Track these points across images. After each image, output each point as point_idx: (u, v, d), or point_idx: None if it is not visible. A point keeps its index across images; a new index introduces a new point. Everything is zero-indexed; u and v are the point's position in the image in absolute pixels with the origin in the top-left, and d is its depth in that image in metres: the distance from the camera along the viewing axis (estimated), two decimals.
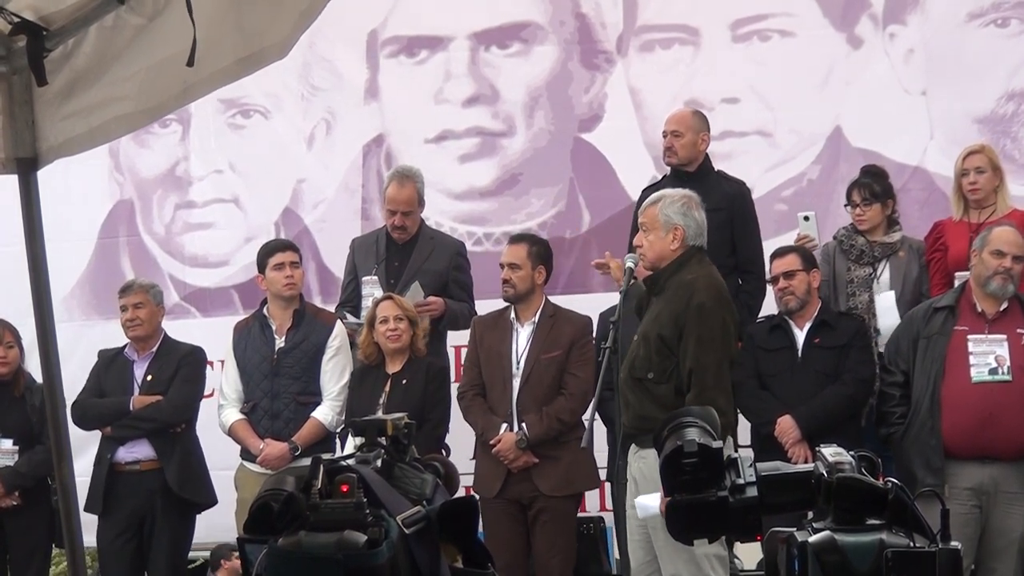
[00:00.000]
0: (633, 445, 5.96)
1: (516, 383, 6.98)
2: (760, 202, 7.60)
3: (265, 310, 7.44)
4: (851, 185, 7.25)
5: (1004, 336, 6.50)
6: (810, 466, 2.53)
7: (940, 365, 6.52)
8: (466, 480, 6.80)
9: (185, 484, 7.30)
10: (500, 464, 6.91)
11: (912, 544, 2.38)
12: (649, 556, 5.95)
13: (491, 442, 6.92)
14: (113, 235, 9.07)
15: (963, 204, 7.08)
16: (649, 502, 5.69)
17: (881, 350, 6.93)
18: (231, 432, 7.31)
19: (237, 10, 3.81)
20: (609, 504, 7.19)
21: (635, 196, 7.41)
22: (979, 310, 6.57)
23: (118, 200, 9.12)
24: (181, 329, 8.03)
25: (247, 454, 7.28)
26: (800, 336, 6.89)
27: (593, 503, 7.65)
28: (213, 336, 7.95)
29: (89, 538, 6.73)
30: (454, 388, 7.24)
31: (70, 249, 8.69)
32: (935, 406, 6.49)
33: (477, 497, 6.64)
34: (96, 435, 7.50)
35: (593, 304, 7.35)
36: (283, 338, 7.32)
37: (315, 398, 7.26)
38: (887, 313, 7.01)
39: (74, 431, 5.89)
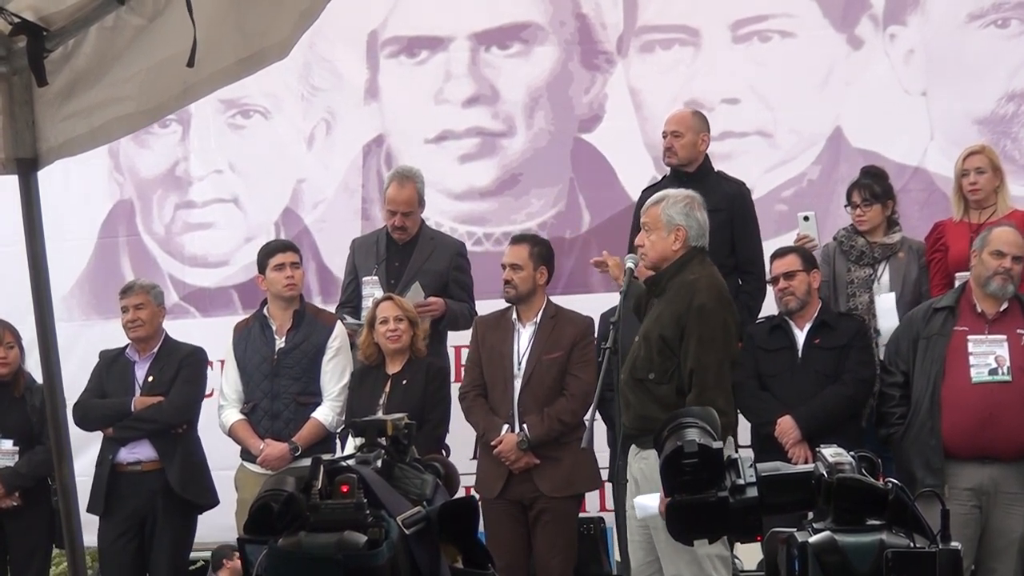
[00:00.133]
0: (633, 446, 5.96)
1: (517, 384, 6.98)
2: (760, 202, 7.60)
3: (265, 310, 7.44)
4: (851, 186, 7.25)
5: (1004, 336, 6.50)
6: (810, 466, 2.53)
7: (940, 365, 6.52)
8: (466, 480, 6.80)
9: (187, 485, 7.30)
10: (501, 465, 6.91)
11: (912, 544, 2.38)
12: (650, 556, 5.95)
13: (492, 443, 6.92)
14: (113, 235, 9.08)
15: (963, 205, 7.08)
16: (648, 502, 5.69)
17: (881, 351, 6.93)
18: (231, 432, 7.31)
19: (237, 10, 3.81)
20: (609, 504, 7.19)
21: (635, 196, 7.42)
22: (979, 310, 6.57)
23: (118, 200, 9.13)
24: (180, 329, 8.03)
25: (247, 454, 7.28)
26: (800, 336, 6.89)
27: (593, 503, 7.65)
28: (212, 336, 7.96)
29: (89, 538, 6.73)
30: (454, 388, 7.24)
31: (69, 249, 8.70)
32: (935, 406, 6.49)
33: (477, 497, 6.64)
34: (96, 435, 7.50)
35: (593, 304, 7.35)
36: (283, 338, 7.32)
37: (315, 398, 7.26)
38: (887, 315, 7.01)
39: (74, 431, 5.89)
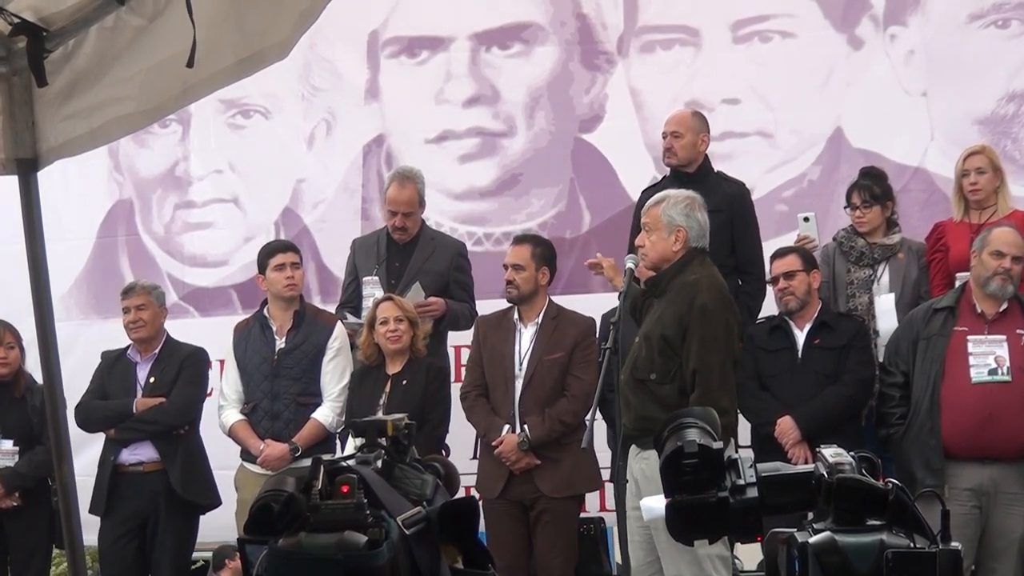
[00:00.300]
0: (634, 446, 5.96)
1: (519, 384, 6.98)
2: (760, 203, 7.60)
3: (265, 311, 7.43)
4: (850, 187, 7.25)
5: (1004, 337, 6.50)
6: (810, 467, 2.52)
7: (940, 366, 6.52)
8: (466, 480, 6.80)
9: (188, 486, 7.30)
10: (502, 465, 6.91)
11: (912, 545, 2.38)
12: (650, 557, 5.95)
13: (493, 443, 6.92)
14: (112, 234, 9.08)
15: (964, 205, 7.08)
16: (654, 504, 5.67)
17: (880, 352, 6.93)
18: (231, 433, 7.31)
19: (237, 10, 3.81)
20: (610, 505, 7.19)
21: (635, 197, 7.42)
22: (979, 311, 6.57)
23: (117, 200, 9.13)
24: (180, 329, 8.02)
25: (247, 455, 7.28)
26: (800, 337, 6.89)
27: (593, 503, 7.65)
28: (212, 336, 7.95)
29: (90, 538, 6.73)
30: (454, 388, 7.25)
31: (68, 248, 8.70)
32: (935, 407, 6.49)
33: (477, 497, 6.64)
34: (96, 435, 7.51)
35: (594, 305, 7.35)
36: (283, 339, 7.32)
37: (315, 399, 7.26)
38: (886, 315, 7.01)
39: (74, 431, 5.89)
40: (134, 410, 7.35)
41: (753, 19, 8.32)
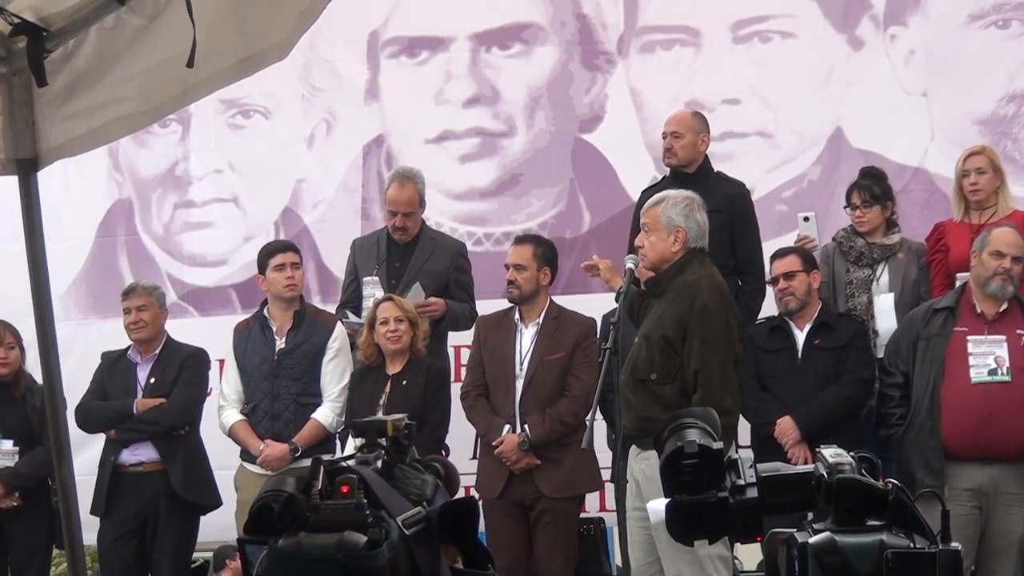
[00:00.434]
0: (634, 446, 5.95)
1: (519, 384, 6.98)
2: (760, 203, 7.60)
3: (265, 311, 7.43)
4: (850, 187, 7.25)
5: (1003, 337, 6.50)
6: (810, 467, 2.52)
7: (939, 366, 6.52)
8: (466, 480, 6.80)
9: (189, 486, 7.30)
10: (502, 465, 6.91)
11: (912, 545, 2.38)
12: (650, 557, 5.95)
13: (493, 443, 6.92)
14: (111, 234, 9.07)
15: (964, 205, 7.08)
16: (661, 507, 5.67)
17: (880, 352, 6.93)
18: (231, 433, 7.31)
19: (237, 11, 3.81)
20: (610, 505, 7.19)
21: (635, 197, 7.41)
22: (979, 311, 6.57)
23: (116, 199, 9.12)
24: (179, 328, 8.02)
25: (247, 455, 7.27)
26: (800, 337, 6.89)
27: (593, 504, 7.65)
28: (211, 336, 7.95)
29: (90, 538, 6.73)
30: (454, 389, 7.24)
31: (68, 248, 8.70)
32: (935, 407, 6.49)
33: (477, 497, 6.64)
34: (96, 435, 7.50)
35: (594, 305, 7.35)
36: (283, 339, 7.32)
37: (315, 399, 7.26)
38: (885, 316, 7.01)
39: (73, 431, 5.89)
40: (134, 411, 7.35)
41: (753, 19, 8.31)
